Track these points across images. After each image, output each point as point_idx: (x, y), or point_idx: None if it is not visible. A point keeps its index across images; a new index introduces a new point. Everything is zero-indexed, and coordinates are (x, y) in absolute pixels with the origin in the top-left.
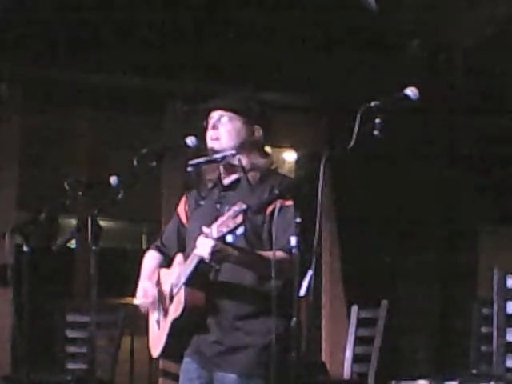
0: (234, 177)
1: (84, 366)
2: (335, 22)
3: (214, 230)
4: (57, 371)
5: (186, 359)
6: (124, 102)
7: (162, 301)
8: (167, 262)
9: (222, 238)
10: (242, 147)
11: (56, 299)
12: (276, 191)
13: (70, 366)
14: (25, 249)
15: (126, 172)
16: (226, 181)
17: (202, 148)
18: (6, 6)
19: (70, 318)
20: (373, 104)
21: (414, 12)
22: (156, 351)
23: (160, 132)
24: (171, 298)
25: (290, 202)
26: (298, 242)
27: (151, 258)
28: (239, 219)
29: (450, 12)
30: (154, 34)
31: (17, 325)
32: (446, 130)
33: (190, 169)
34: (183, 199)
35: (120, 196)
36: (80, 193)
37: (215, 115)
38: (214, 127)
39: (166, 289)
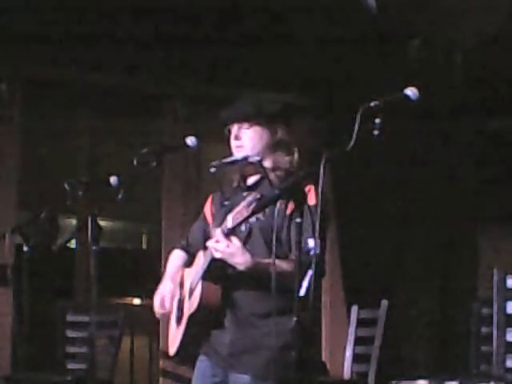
0: (256, 177)
1: (84, 366)
2: (335, 22)
3: (230, 221)
4: (57, 371)
5: (202, 357)
6: (124, 103)
7: (182, 299)
8: (191, 262)
9: (237, 227)
10: (267, 149)
11: (56, 299)
12: (276, 191)
13: (70, 366)
14: (25, 249)
15: (125, 172)
16: (249, 181)
17: (201, 148)
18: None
19: (69, 317)
20: (373, 104)
21: (414, 12)
22: (173, 348)
23: (160, 132)
24: (190, 294)
25: (313, 201)
26: (298, 242)
27: (176, 257)
28: (252, 208)
29: (449, 12)
30: (155, 34)
31: (17, 325)
32: (445, 130)
33: (212, 170)
34: (209, 199)
35: (120, 196)
36: (80, 193)
37: (235, 126)
38: (237, 137)
39: (187, 287)
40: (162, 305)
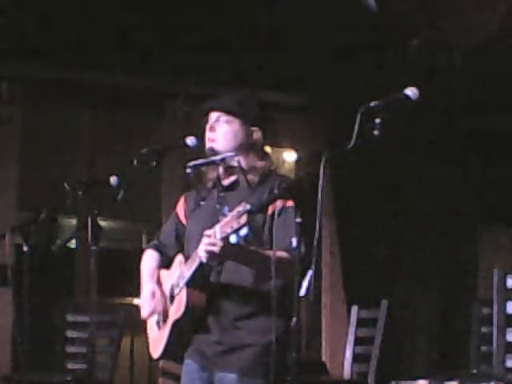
0: (232, 178)
1: (84, 366)
2: (335, 22)
3: (218, 231)
4: (57, 371)
5: (187, 360)
6: (124, 102)
7: (164, 303)
8: (165, 262)
9: (225, 239)
10: (240, 149)
11: (56, 299)
12: (276, 191)
13: (70, 366)
14: (25, 249)
15: (125, 172)
16: (226, 182)
17: (201, 148)
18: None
19: (70, 317)
20: (373, 104)
21: (414, 12)
22: (156, 353)
23: (160, 132)
24: (172, 298)
25: (290, 203)
26: (299, 242)
27: (150, 258)
28: (243, 220)
29: (450, 12)
30: (154, 33)
31: (17, 325)
32: (445, 129)
33: (188, 170)
34: (182, 199)
35: (120, 196)
36: (80, 193)
37: (213, 116)
38: (212, 129)
39: (166, 290)
40: (153, 297)
